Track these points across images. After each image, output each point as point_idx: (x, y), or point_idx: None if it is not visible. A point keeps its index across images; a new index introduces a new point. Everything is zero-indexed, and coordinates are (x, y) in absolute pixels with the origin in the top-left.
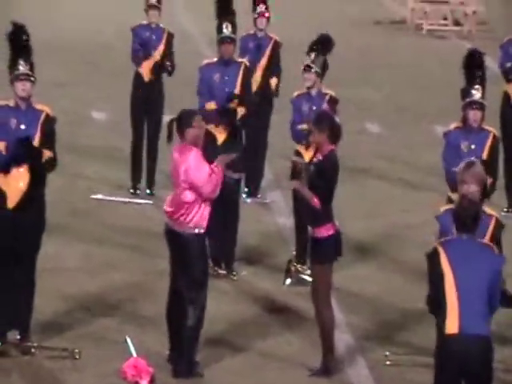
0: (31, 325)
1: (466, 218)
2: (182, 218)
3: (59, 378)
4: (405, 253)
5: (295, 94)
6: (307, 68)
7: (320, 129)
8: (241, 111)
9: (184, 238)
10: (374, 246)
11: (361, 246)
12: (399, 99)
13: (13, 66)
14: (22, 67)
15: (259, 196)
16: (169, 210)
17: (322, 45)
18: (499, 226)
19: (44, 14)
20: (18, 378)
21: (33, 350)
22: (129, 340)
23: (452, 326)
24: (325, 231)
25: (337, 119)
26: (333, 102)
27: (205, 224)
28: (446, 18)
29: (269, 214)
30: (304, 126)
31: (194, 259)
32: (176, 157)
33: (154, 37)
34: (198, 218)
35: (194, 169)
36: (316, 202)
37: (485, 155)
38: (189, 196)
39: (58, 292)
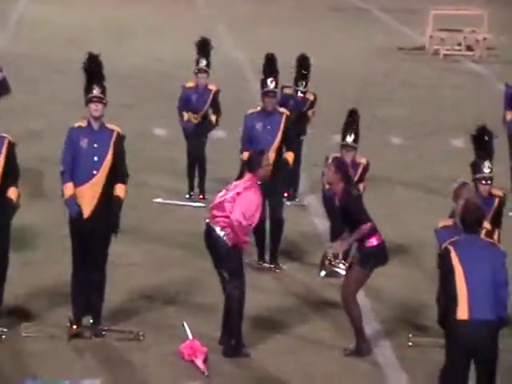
0: (102, 311)
1: (471, 220)
2: (222, 223)
3: (126, 356)
4: (422, 251)
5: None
6: (350, 148)
7: (335, 170)
8: (289, 156)
9: (215, 234)
10: (396, 244)
11: None
12: (419, 115)
13: (87, 90)
14: (96, 91)
15: (297, 200)
16: (213, 211)
17: (357, 119)
18: (503, 202)
19: (112, 48)
20: (91, 357)
21: (103, 333)
22: (186, 325)
23: (462, 312)
24: (371, 241)
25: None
26: (364, 171)
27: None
28: (460, 44)
29: (305, 215)
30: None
31: (223, 255)
32: (243, 181)
33: (200, 99)
34: (232, 237)
35: (245, 202)
36: (363, 229)
37: (489, 218)
38: (231, 211)
39: (125, 284)
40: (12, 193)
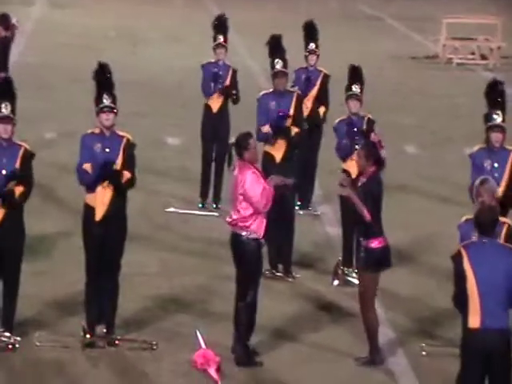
0: (115, 320)
1: (486, 222)
2: (241, 224)
3: (139, 365)
4: (436, 259)
5: (337, 120)
6: (355, 96)
7: (366, 155)
8: (294, 130)
9: (242, 238)
10: (409, 252)
11: (397, 252)
12: (432, 124)
13: (98, 99)
14: (106, 100)
15: (310, 208)
16: (229, 219)
17: (361, 75)
18: (511, 231)
19: (126, 56)
20: (104, 366)
21: (117, 342)
22: (199, 334)
23: (474, 321)
24: (376, 243)
25: (383, 153)
26: (370, 123)
27: (261, 231)
28: (473, 53)
29: (319, 224)
30: None
31: (249, 258)
32: (236, 173)
33: (220, 72)
34: (255, 227)
35: (249, 186)
36: (367, 214)
37: (507, 172)
38: (246, 209)
39: (138, 293)
40: (18, 190)
